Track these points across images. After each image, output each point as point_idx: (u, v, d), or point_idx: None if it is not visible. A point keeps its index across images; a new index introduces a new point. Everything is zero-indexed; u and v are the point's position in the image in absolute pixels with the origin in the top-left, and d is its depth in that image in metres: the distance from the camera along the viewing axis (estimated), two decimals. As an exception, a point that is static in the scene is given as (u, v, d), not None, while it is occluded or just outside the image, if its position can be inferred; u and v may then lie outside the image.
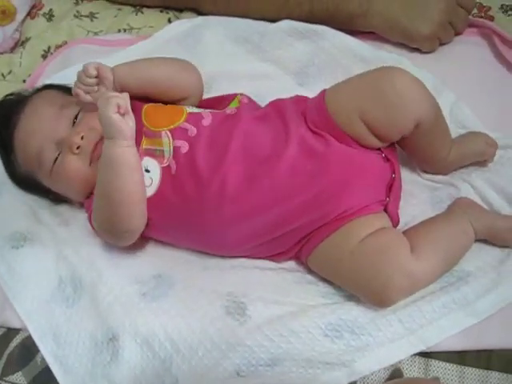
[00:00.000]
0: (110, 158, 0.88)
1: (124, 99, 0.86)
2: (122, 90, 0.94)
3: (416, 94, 0.87)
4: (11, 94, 1.09)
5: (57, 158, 0.96)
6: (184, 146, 0.91)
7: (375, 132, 0.88)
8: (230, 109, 0.97)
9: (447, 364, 0.88)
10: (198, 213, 0.90)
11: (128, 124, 0.87)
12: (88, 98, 0.95)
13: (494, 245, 0.93)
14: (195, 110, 0.98)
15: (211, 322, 0.91)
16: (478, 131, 1.01)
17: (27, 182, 1.05)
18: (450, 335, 0.87)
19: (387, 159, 0.92)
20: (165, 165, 0.91)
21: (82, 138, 0.94)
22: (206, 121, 0.94)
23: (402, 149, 0.96)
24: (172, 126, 0.93)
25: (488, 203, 0.97)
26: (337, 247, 0.88)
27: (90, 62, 0.95)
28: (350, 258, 0.86)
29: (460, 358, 0.88)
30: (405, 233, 0.91)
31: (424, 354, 0.88)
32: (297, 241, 0.91)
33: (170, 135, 0.92)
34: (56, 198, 1.06)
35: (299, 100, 0.97)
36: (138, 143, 0.92)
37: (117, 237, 0.95)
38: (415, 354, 0.88)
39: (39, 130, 0.97)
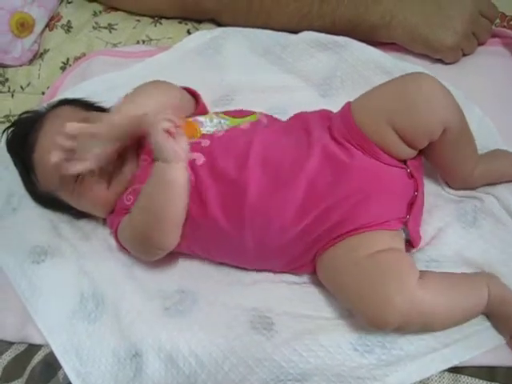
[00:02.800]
0: (163, 180, 0.87)
1: (175, 120, 0.86)
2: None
3: (442, 98, 0.86)
4: (27, 112, 1.09)
5: (78, 176, 0.96)
6: (199, 158, 0.91)
7: (404, 137, 0.87)
8: (244, 124, 0.97)
9: (477, 380, 0.85)
10: (218, 223, 0.90)
11: (181, 146, 0.86)
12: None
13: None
14: (210, 129, 0.97)
15: (237, 337, 0.89)
16: (506, 150, 0.99)
17: (48, 201, 1.05)
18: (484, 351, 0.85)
19: (411, 176, 0.91)
20: None
21: None
22: (219, 134, 0.95)
23: (427, 160, 0.95)
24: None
25: (513, 215, 0.95)
26: (343, 256, 0.86)
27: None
28: (354, 269, 0.84)
29: (490, 373, 0.85)
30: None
31: (453, 370, 0.86)
32: (314, 252, 0.90)
33: None
34: (78, 214, 1.06)
35: (324, 115, 0.96)
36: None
37: (147, 252, 0.95)
38: (444, 370, 0.85)
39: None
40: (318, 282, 0.94)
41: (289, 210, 0.87)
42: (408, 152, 0.89)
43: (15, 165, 1.06)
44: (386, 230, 0.87)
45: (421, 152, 0.91)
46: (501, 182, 0.97)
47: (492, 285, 0.85)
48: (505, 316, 0.85)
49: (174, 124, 0.85)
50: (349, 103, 0.92)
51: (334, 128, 0.91)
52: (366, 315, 0.83)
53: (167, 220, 0.89)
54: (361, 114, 0.89)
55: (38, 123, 1.01)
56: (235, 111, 1.04)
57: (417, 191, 0.91)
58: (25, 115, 1.08)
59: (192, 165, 0.90)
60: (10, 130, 1.07)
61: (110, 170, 0.96)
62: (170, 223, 0.90)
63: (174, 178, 0.87)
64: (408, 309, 0.80)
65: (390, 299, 0.80)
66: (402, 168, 0.90)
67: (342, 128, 0.90)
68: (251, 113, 1.02)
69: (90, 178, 0.95)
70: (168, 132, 0.85)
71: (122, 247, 0.98)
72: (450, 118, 0.86)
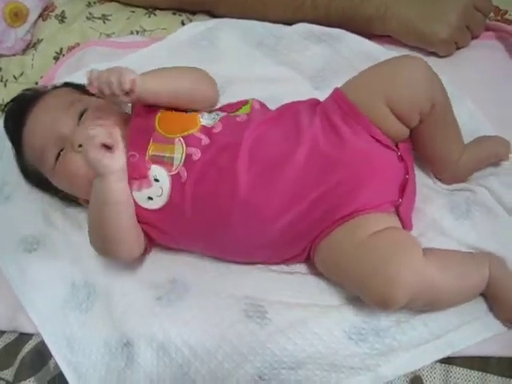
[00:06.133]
0: (100, 195, 0.89)
1: (111, 134, 0.87)
2: (140, 102, 0.93)
3: (429, 73, 0.89)
4: (28, 90, 1.08)
5: (59, 155, 0.95)
6: (196, 154, 0.90)
7: (397, 111, 0.88)
8: (241, 116, 0.96)
9: (469, 371, 0.86)
10: (209, 220, 0.90)
11: (114, 158, 0.88)
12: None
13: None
14: (209, 121, 0.96)
15: (230, 325, 0.89)
16: (489, 135, 0.99)
17: (36, 179, 1.05)
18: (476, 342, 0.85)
19: (402, 159, 0.91)
20: (173, 173, 0.90)
21: None
22: (217, 129, 0.93)
23: (416, 151, 0.95)
24: (186, 133, 0.92)
25: (505, 206, 0.95)
26: (342, 241, 0.86)
27: (125, 72, 0.87)
28: (355, 251, 0.83)
29: (482, 364, 0.86)
30: None
31: (445, 361, 0.86)
32: (308, 241, 0.90)
33: (183, 142, 0.91)
34: (64, 197, 1.05)
35: (313, 103, 0.96)
36: (144, 149, 0.91)
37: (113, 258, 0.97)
38: (435, 361, 0.86)
39: (44, 126, 0.96)
40: (308, 271, 0.95)
41: (278, 200, 0.87)
42: (400, 129, 0.90)
43: (11, 141, 1.05)
44: (380, 213, 0.87)
45: (410, 137, 0.93)
46: (488, 166, 0.98)
47: (493, 264, 0.86)
48: (502, 297, 0.85)
49: (111, 140, 0.87)
50: (337, 87, 0.93)
51: (325, 109, 0.91)
52: (374, 294, 0.81)
53: (111, 236, 0.91)
54: (354, 92, 0.91)
55: (33, 101, 1.01)
56: (229, 105, 1.04)
57: (407, 174, 0.91)
58: (24, 92, 1.08)
59: (189, 160, 0.90)
60: (8, 106, 1.07)
61: None
62: (115, 239, 0.91)
63: (107, 191, 0.88)
64: (416, 283, 0.79)
65: (398, 274, 0.79)
66: (393, 150, 0.91)
67: (336, 107, 0.91)
68: (244, 103, 1.01)
69: (73, 153, 0.93)
70: (105, 145, 0.87)
71: None
72: (436, 91, 0.89)
